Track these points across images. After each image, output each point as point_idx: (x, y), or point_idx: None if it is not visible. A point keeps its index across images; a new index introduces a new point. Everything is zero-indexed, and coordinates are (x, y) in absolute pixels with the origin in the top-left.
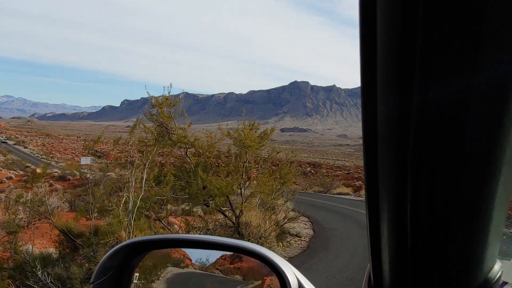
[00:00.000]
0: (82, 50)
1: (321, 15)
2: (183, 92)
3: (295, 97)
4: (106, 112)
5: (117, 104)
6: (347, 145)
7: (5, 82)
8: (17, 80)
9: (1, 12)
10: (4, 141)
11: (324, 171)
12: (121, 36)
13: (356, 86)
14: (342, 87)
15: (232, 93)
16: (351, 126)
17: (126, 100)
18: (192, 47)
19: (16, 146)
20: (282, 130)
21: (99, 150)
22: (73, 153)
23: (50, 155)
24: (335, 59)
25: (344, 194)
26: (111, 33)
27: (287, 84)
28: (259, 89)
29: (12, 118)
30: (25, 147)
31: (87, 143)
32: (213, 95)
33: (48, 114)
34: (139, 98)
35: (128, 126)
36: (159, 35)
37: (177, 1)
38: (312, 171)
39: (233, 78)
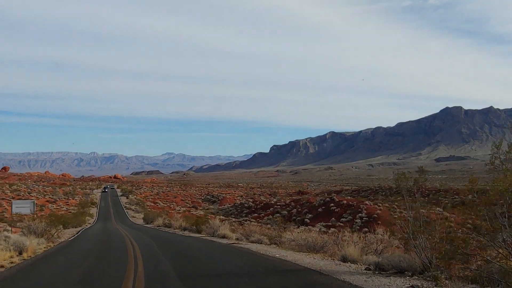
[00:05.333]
0: (232, 103)
1: (465, 37)
2: (329, 132)
3: (448, 124)
4: (257, 159)
5: (267, 150)
6: None
7: (166, 141)
8: (176, 138)
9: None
10: (112, 187)
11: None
12: (263, 85)
13: None
14: (501, 107)
15: (379, 127)
16: None
17: (274, 145)
18: (333, 87)
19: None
20: (437, 160)
21: (215, 195)
22: (182, 200)
23: (137, 204)
24: (487, 79)
25: None
26: (252, 83)
27: (438, 111)
28: (407, 120)
29: (172, 173)
30: (127, 197)
31: (208, 189)
32: (360, 132)
33: (204, 166)
34: (287, 143)
35: (277, 171)
36: (297, 79)
37: (307, 44)
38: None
39: (379, 112)
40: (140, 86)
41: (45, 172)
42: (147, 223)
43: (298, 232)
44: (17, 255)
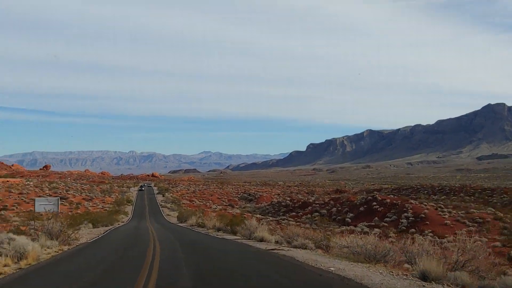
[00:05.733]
0: (269, 102)
1: (508, 32)
2: (367, 130)
3: (490, 121)
4: (293, 158)
5: (303, 149)
6: None
7: (203, 140)
8: (213, 137)
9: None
10: (149, 185)
11: None
12: (299, 83)
13: None
14: None
15: (418, 125)
16: None
17: (311, 144)
18: (370, 85)
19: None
20: (479, 159)
21: (252, 193)
22: (218, 198)
23: (173, 202)
24: None
25: None
26: (288, 82)
27: (479, 108)
28: (447, 118)
29: (209, 171)
30: (163, 195)
31: (245, 188)
32: (398, 130)
33: (241, 165)
34: (323, 141)
35: (314, 169)
36: (334, 77)
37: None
38: None
39: (418, 110)
40: (178, 85)
41: (85, 171)
42: (181, 222)
43: (352, 236)
44: (14, 263)
